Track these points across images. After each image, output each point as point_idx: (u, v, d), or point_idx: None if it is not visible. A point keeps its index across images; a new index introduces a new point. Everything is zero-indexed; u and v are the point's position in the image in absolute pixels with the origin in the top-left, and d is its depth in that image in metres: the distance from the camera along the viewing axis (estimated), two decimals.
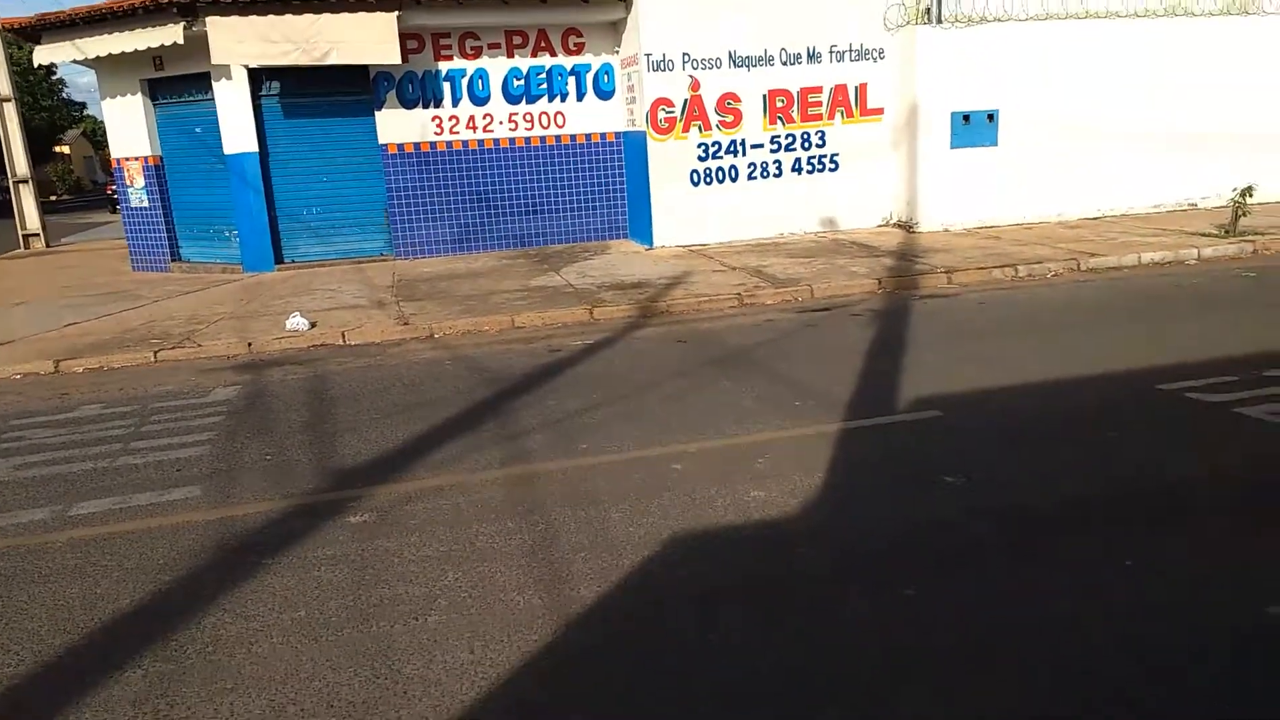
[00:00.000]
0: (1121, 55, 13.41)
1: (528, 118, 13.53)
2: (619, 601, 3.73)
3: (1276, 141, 14.07)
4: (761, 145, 13.29)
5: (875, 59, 13.40)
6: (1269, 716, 2.80)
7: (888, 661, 3.20)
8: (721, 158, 13.16)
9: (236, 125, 12.83)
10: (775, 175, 13.42)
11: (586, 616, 3.62)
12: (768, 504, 4.54)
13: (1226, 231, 11.47)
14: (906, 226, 13.61)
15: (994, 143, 13.26)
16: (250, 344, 8.91)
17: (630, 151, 13.67)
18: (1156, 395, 5.87)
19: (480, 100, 13.30)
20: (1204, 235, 11.54)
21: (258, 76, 12.79)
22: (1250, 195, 11.53)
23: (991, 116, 13.19)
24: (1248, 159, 13.62)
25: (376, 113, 13.07)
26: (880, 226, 13.94)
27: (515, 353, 8.18)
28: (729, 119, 13.07)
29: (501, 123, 13.45)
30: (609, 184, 14.09)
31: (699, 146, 13.04)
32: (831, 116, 13.46)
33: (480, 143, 13.44)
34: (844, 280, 10.11)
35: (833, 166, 13.60)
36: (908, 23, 13.16)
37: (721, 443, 5.50)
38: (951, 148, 13.15)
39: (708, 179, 13.18)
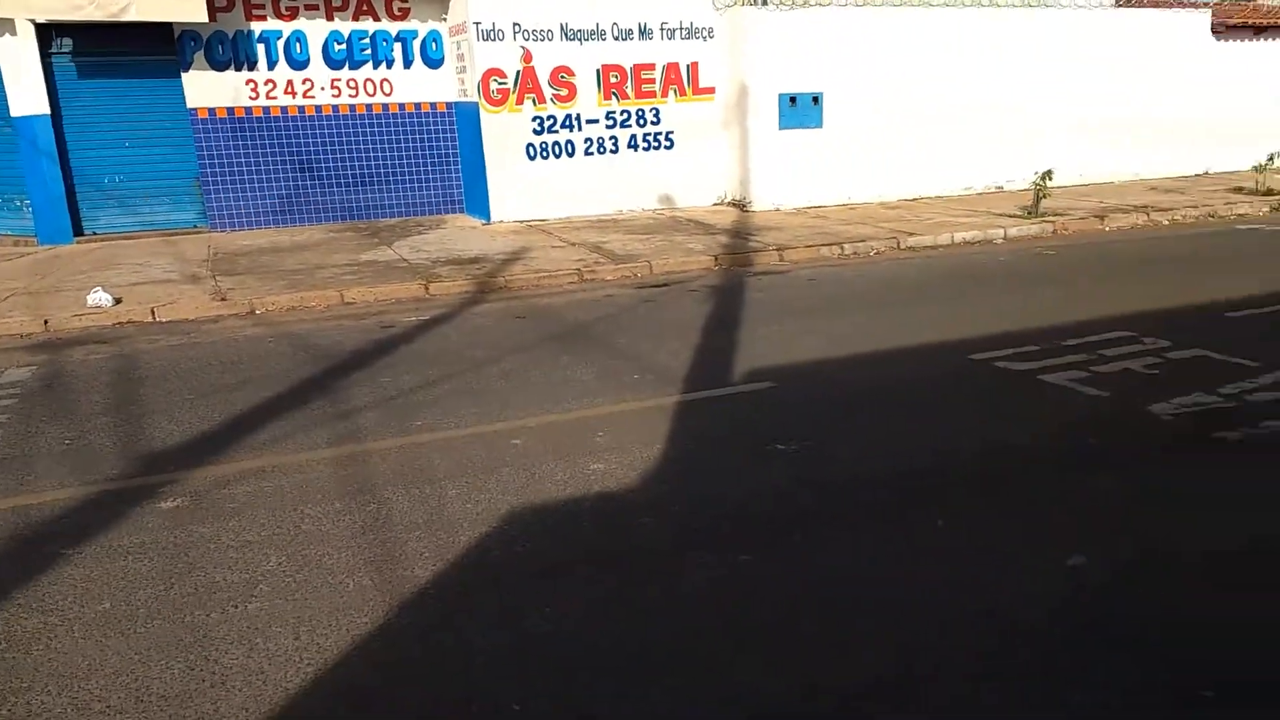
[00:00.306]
0: (935, 43, 14.14)
1: (351, 84, 12.91)
2: (455, 579, 3.61)
3: (1073, 129, 15.26)
4: (597, 121, 13.23)
5: (705, 38, 13.57)
6: (1076, 664, 3.01)
7: (726, 631, 3.24)
8: (557, 132, 13.02)
9: (23, 85, 11.61)
10: (612, 151, 13.41)
11: (421, 596, 3.48)
12: (607, 476, 4.52)
13: (1029, 213, 12.34)
14: (740, 205, 13.93)
15: (819, 125, 13.72)
16: (47, 321, 8.12)
17: (463, 123, 13.32)
18: (970, 365, 6.23)
19: (299, 64, 12.58)
20: (1010, 216, 12.38)
21: (47, 33, 11.62)
22: (1050, 179, 12.44)
23: (816, 99, 13.63)
24: (1048, 144, 14.72)
25: (183, 74, 12.12)
26: (716, 205, 14.20)
27: (345, 329, 7.82)
28: (563, 92, 12.93)
29: (324, 89, 12.78)
30: (443, 156, 13.68)
31: (534, 120, 12.84)
32: (665, 94, 13.55)
33: (301, 109, 12.74)
34: (682, 257, 10.23)
35: (668, 144, 13.72)
36: (735, 3, 13.38)
37: (561, 417, 5.44)
38: (780, 129, 13.52)
39: (544, 153, 13.02)
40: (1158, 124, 16.22)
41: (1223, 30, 16.56)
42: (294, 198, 12.99)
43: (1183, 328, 6.83)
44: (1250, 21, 16.81)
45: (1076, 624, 3.19)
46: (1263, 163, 14.44)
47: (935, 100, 14.25)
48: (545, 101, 12.87)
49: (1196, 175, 16.66)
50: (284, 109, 12.65)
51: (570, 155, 13.18)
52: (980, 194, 14.89)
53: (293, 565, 3.75)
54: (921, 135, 14.30)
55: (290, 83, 12.60)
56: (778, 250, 10.58)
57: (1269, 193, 13.77)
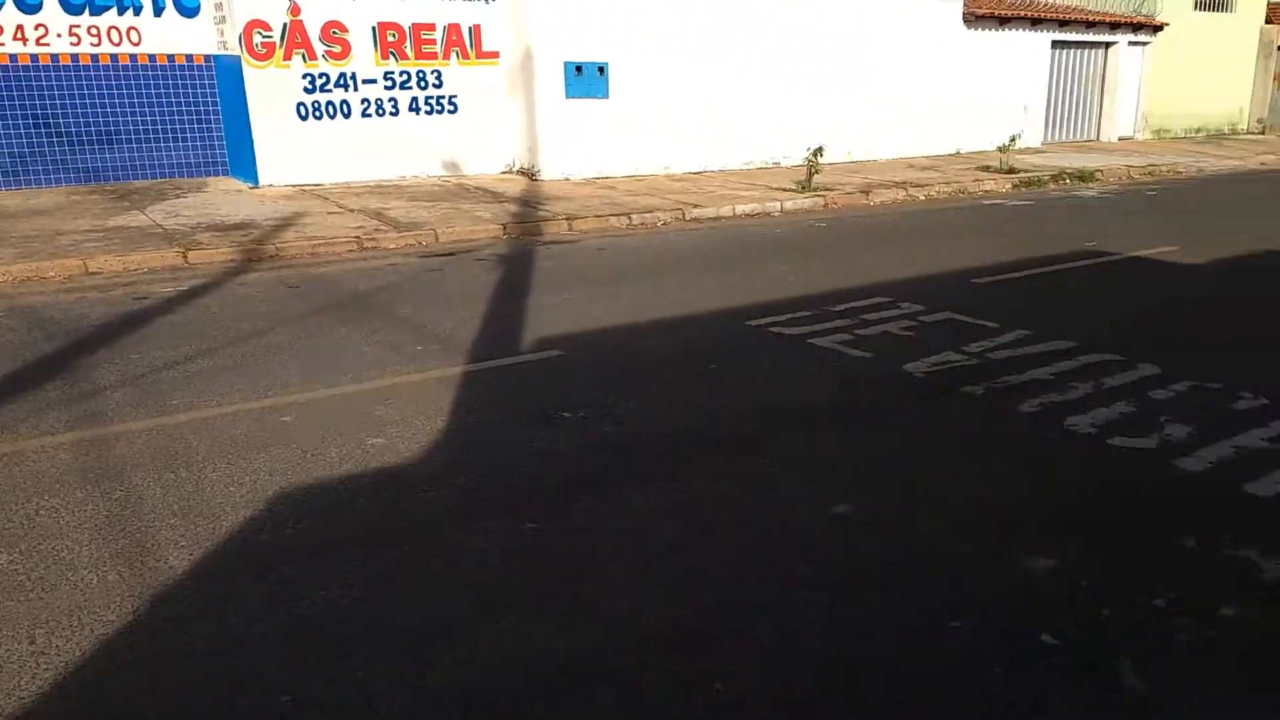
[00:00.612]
0: (720, 23, 14.53)
1: (93, 31, 11.59)
2: (217, 567, 3.34)
3: (842, 109, 16.17)
4: (375, 81, 12.63)
5: (488, 0, 13.26)
6: (841, 602, 3.18)
7: (513, 600, 3.18)
8: (331, 91, 12.32)
9: None
10: (392, 114, 12.86)
11: (177, 587, 3.19)
12: (388, 451, 4.33)
13: (803, 187, 12.97)
14: (529, 174, 13.77)
15: (606, 95, 13.77)
16: None
17: (224, 78, 12.30)
18: (748, 331, 6.47)
19: (30, 7, 11.15)
20: (786, 190, 12.96)
21: None
22: (821, 155, 13.11)
23: (603, 69, 13.67)
24: (820, 124, 15.51)
25: None
26: (504, 173, 13.97)
27: (89, 302, 7.06)
28: (336, 49, 12.24)
29: (60, 35, 11.40)
30: (202, 113, 12.58)
31: (304, 77, 12.08)
32: (447, 56, 13.13)
33: (34, 58, 11.32)
34: (469, 225, 9.98)
35: (452, 109, 13.33)
36: None
37: (337, 391, 5.16)
38: (567, 97, 13.45)
39: (317, 113, 12.29)
40: (915, 106, 17.49)
41: (972, 20, 18.06)
42: (26, 156, 11.55)
43: (935, 293, 7.40)
44: (996, 13, 18.42)
45: (840, 566, 3.37)
46: (1006, 144, 15.92)
47: (720, 77, 14.66)
48: (317, 58, 12.13)
49: (950, 155, 18.12)
50: (13, 56, 11.19)
51: (346, 116, 12.52)
52: (760, 169, 15.50)
53: (26, 563, 3.33)
54: (707, 110, 14.68)
55: (20, 28, 11.15)
56: (567, 220, 10.54)
57: (1011, 171, 15.19)
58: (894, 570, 3.37)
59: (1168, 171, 16.63)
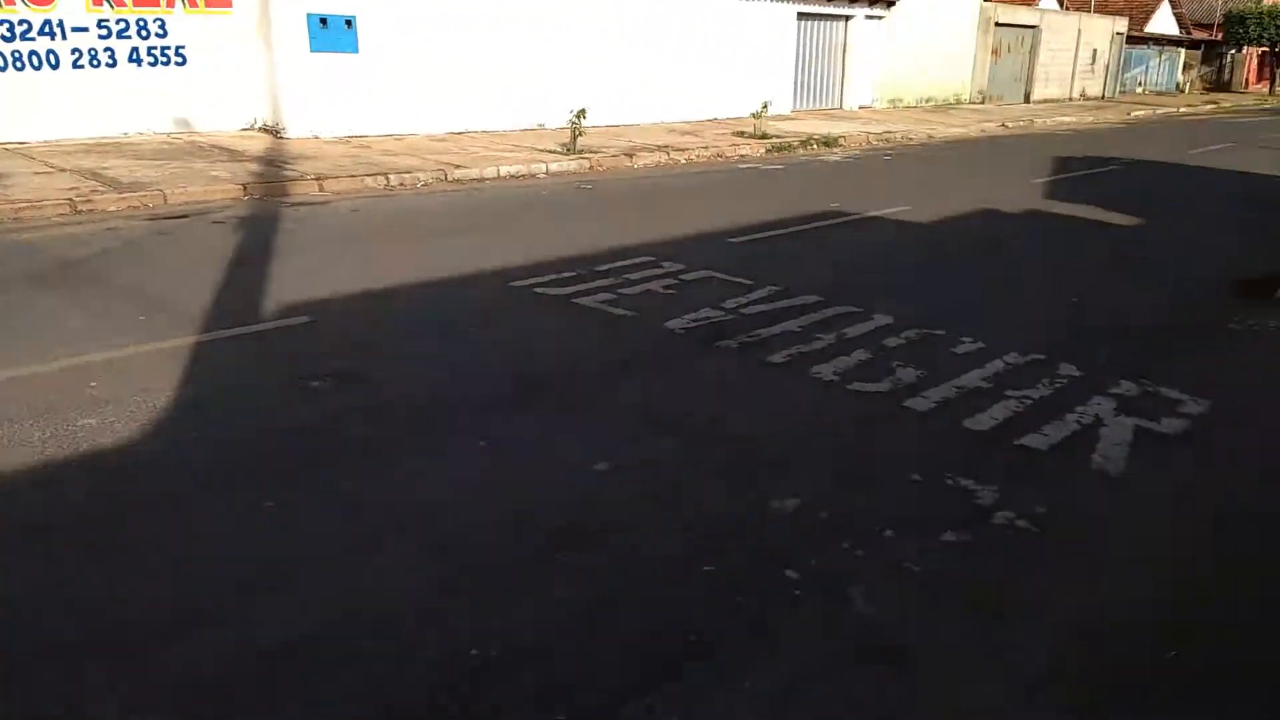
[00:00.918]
0: None
1: None
2: None
3: (606, 72, 16.23)
4: (86, 29, 11.27)
5: None
6: (599, 553, 3.16)
7: (240, 579, 2.92)
8: (34, 40, 10.88)
9: None
10: (109, 65, 11.54)
11: None
12: (103, 432, 3.87)
13: (569, 150, 12.92)
14: (274, 131, 12.83)
15: (355, 50, 13.04)
16: None
17: None
18: (511, 291, 6.34)
19: None
20: (551, 153, 12.86)
21: None
22: (584, 117, 13.08)
23: (350, 22, 12.91)
24: (585, 86, 15.49)
25: None
26: (245, 130, 12.94)
27: None
28: None
29: None
30: None
31: (2, 24, 10.59)
32: (171, 4, 11.92)
33: None
34: (204, 185, 9.15)
35: (179, 60, 12.15)
36: None
37: (41, 369, 4.56)
38: (312, 51, 12.61)
39: (18, 63, 10.83)
40: (675, 73, 17.87)
41: None
42: None
43: (696, 253, 7.58)
44: None
45: (598, 519, 3.36)
46: (759, 111, 16.58)
47: (483, 36, 14.28)
48: (14, 3, 10.65)
49: (709, 121, 18.67)
50: None
51: (55, 67, 11.11)
52: (525, 131, 15.28)
53: None
54: (469, 70, 14.26)
55: None
56: (316, 180, 9.92)
57: (765, 136, 15.85)
58: (651, 517, 3.39)
59: (901, 138, 17.99)
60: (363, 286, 6.29)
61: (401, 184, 10.47)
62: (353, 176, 10.22)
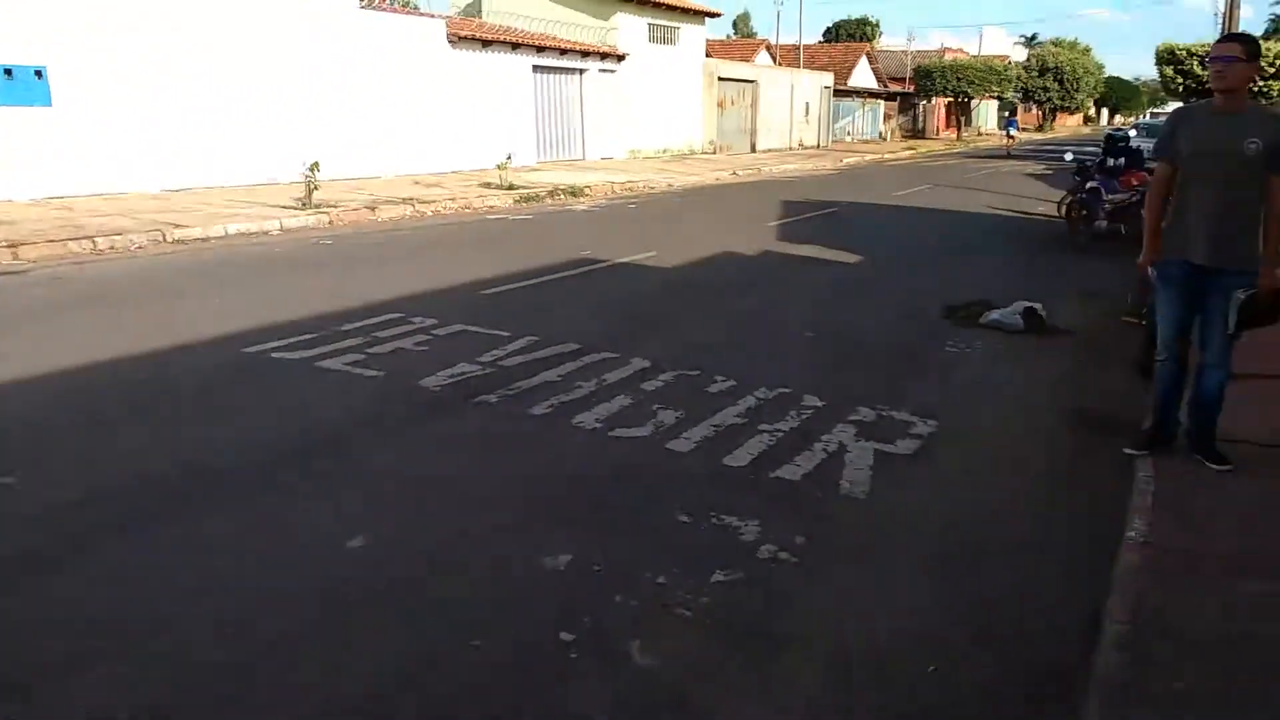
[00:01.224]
0: (191, 26, 13.20)
1: None
2: None
3: (339, 126, 15.67)
4: None
5: None
6: (366, 633, 2.88)
7: None
8: None
9: None
10: None
11: None
12: None
13: (304, 204, 12.28)
14: None
15: (48, 102, 11.76)
16: None
17: None
18: (244, 358, 5.84)
19: None
20: (284, 208, 12.16)
21: None
22: (318, 170, 12.50)
23: (40, 73, 11.64)
24: (317, 140, 14.86)
25: None
26: None
27: None
28: None
29: None
30: None
31: None
32: None
33: None
34: None
35: None
36: None
37: None
38: None
39: None
40: (414, 124, 17.61)
41: (456, 40, 18.61)
42: None
43: (448, 306, 7.36)
44: (478, 35, 19.19)
45: (363, 597, 3.07)
46: (503, 162, 16.62)
47: (198, 85, 13.35)
48: None
49: (453, 173, 18.52)
50: None
51: None
52: (255, 186, 14.42)
53: None
54: (187, 121, 13.29)
55: None
56: (10, 247, 8.77)
57: (511, 187, 15.89)
58: (416, 592, 3.15)
59: (644, 187, 18.68)
60: (71, 361, 5.56)
61: (112, 247, 9.49)
62: (53, 241, 9.14)
